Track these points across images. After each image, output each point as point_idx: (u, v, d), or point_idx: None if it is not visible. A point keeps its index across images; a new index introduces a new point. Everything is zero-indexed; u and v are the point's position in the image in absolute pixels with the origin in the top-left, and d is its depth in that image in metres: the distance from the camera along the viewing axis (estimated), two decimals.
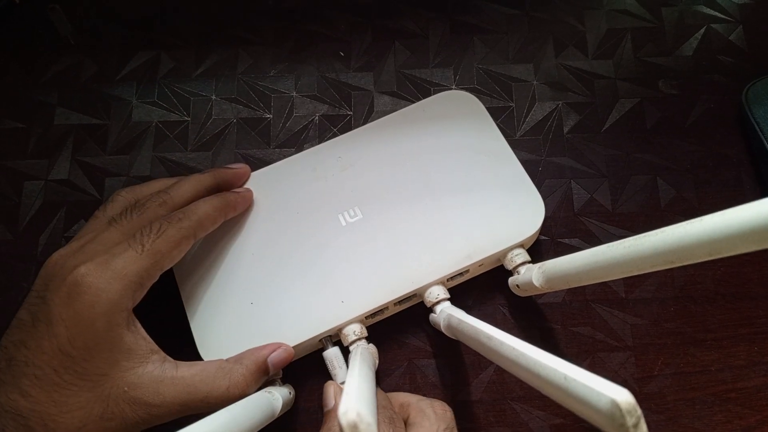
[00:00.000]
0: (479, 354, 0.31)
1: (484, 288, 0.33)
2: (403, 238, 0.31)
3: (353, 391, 0.19)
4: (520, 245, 0.31)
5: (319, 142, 0.35)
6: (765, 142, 0.33)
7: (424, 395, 0.31)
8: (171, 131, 0.36)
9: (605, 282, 0.33)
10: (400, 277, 0.30)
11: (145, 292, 0.25)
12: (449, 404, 0.27)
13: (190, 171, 0.35)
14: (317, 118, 0.37)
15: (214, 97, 0.37)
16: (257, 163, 0.34)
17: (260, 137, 0.36)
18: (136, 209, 0.27)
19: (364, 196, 0.32)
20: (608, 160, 0.35)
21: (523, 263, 0.30)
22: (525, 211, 0.31)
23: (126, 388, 0.23)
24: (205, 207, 0.28)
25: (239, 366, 0.26)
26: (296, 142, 0.36)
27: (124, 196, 0.28)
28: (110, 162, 0.36)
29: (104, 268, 0.24)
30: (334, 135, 0.36)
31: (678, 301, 0.32)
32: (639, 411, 0.15)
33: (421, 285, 0.29)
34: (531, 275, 0.27)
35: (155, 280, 0.26)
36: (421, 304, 0.31)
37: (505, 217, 0.31)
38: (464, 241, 0.30)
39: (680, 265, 0.18)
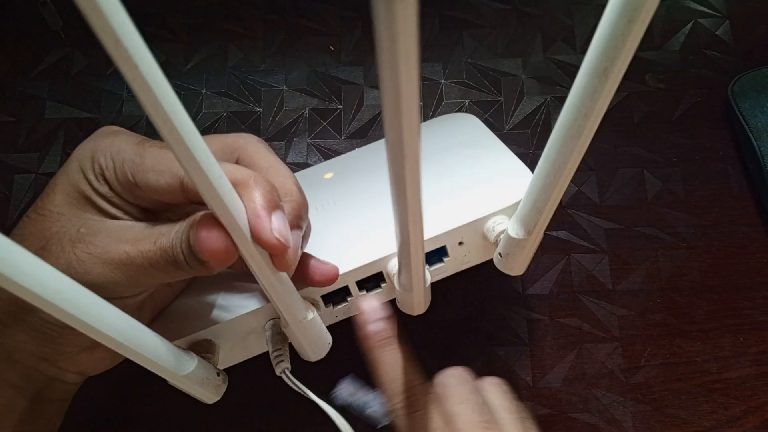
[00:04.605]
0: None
1: (470, 283, 0.33)
2: (374, 209, 0.28)
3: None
4: (503, 213, 0.27)
5: (309, 136, 0.35)
6: (750, 135, 0.34)
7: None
8: None
9: (592, 273, 0.33)
10: (362, 249, 0.26)
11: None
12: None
13: None
14: (307, 111, 0.37)
15: (204, 91, 0.37)
16: None
17: (250, 131, 0.36)
18: None
19: (343, 190, 0.30)
20: (596, 153, 0.35)
21: (504, 230, 0.26)
22: (508, 179, 0.28)
23: (82, 230, 0.20)
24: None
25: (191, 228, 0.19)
26: (286, 135, 0.36)
27: None
28: None
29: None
30: (324, 129, 0.36)
31: (664, 292, 0.33)
32: None
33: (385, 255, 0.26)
34: (507, 229, 0.25)
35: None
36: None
37: (487, 186, 0.28)
38: (443, 209, 0.27)
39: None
